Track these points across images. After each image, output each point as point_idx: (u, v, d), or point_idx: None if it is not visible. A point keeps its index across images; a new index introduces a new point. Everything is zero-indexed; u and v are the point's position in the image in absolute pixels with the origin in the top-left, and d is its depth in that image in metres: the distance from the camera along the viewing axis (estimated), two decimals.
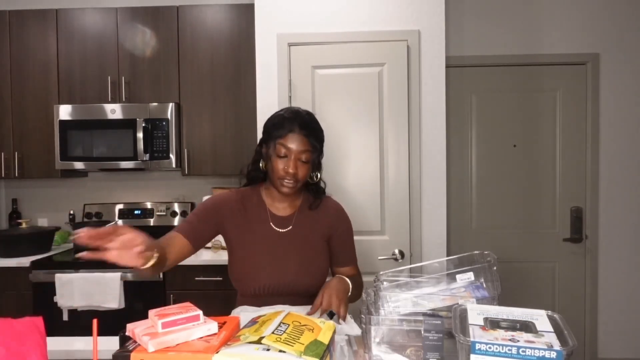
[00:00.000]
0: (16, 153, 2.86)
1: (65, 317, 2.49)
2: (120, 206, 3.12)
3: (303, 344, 0.85)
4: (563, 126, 2.99)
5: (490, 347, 0.80)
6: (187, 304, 0.98)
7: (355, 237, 1.57)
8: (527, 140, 3.01)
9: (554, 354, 0.77)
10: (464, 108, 3.03)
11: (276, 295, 1.37)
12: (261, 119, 2.37)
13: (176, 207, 3.10)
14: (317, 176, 1.44)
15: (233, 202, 1.43)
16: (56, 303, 2.47)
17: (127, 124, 2.76)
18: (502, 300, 1.09)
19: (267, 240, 1.40)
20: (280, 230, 1.41)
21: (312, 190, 1.46)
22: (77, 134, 2.78)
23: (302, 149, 1.31)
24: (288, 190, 1.35)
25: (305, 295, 1.38)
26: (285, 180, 1.32)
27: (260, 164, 1.42)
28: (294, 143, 1.30)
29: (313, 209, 1.44)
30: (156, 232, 3.54)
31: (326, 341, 0.89)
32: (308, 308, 1.27)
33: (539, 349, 0.78)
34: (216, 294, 2.47)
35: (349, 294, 1.33)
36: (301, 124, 1.32)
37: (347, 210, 1.54)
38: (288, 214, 1.44)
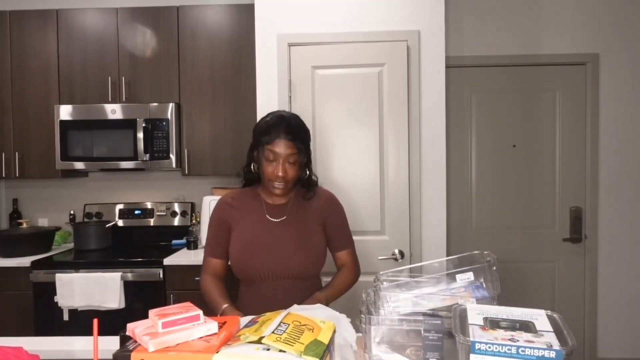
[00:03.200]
0: (17, 153, 2.86)
1: (65, 317, 2.49)
2: (121, 206, 3.12)
3: (303, 344, 0.85)
4: (563, 126, 2.99)
5: (490, 347, 0.80)
6: (187, 303, 0.98)
7: (356, 237, 1.63)
8: (527, 140, 3.01)
9: (553, 354, 0.77)
10: (464, 108, 3.03)
11: (274, 278, 1.44)
12: None
13: (176, 207, 3.10)
14: (307, 173, 1.52)
15: (229, 199, 1.54)
16: (56, 303, 2.47)
17: (128, 124, 2.77)
18: (502, 300, 1.09)
19: (262, 229, 1.48)
20: (275, 220, 1.50)
21: (304, 184, 1.55)
22: (78, 134, 2.78)
23: (288, 153, 1.40)
24: (279, 192, 1.45)
25: (302, 278, 1.46)
26: (276, 183, 1.42)
27: (252, 167, 1.51)
28: (280, 148, 1.39)
29: (306, 200, 1.53)
30: (156, 232, 3.51)
31: (326, 341, 0.89)
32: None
33: (539, 348, 0.78)
34: None
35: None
36: (287, 129, 1.40)
37: (346, 210, 1.62)
38: (282, 203, 1.52)
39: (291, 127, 1.41)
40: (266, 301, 1.38)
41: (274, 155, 1.39)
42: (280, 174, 1.38)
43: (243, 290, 1.52)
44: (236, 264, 1.48)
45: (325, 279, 1.57)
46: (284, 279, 1.44)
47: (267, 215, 1.50)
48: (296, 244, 1.46)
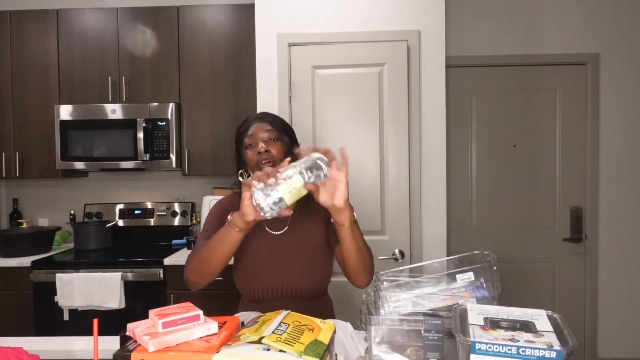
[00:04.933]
0: (17, 153, 2.86)
1: (65, 317, 2.49)
2: (121, 206, 3.12)
3: (303, 344, 0.85)
4: (563, 126, 2.99)
5: (490, 347, 0.80)
6: (188, 304, 0.98)
7: None
8: (527, 140, 3.01)
9: (554, 354, 0.77)
10: (464, 108, 3.03)
11: (280, 298, 1.36)
12: None
13: (176, 207, 3.10)
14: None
15: (235, 206, 1.38)
16: (57, 303, 2.47)
17: (128, 124, 2.77)
18: (502, 300, 1.09)
19: (264, 244, 1.39)
20: (276, 232, 1.41)
21: None
22: (78, 134, 2.78)
23: (264, 129, 1.37)
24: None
25: (309, 298, 1.38)
26: (261, 163, 1.33)
27: (242, 175, 1.42)
28: (257, 130, 1.38)
29: (307, 205, 1.39)
30: (156, 232, 3.50)
31: (326, 341, 0.89)
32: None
33: (539, 348, 0.78)
34: (216, 294, 2.47)
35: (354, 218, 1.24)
36: (258, 115, 1.44)
37: None
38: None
39: (264, 113, 1.46)
40: None
41: (253, 139, 1.36)
42: (260, 149, 1.34)
43: (245, 304, 1.44)
44: (242, 284, 1.41)
45: (334, 279, 1.52)
46: (288, 299, 1.36)
47: (266, 227, 1.41)
48: (301, 263, 1.38)
